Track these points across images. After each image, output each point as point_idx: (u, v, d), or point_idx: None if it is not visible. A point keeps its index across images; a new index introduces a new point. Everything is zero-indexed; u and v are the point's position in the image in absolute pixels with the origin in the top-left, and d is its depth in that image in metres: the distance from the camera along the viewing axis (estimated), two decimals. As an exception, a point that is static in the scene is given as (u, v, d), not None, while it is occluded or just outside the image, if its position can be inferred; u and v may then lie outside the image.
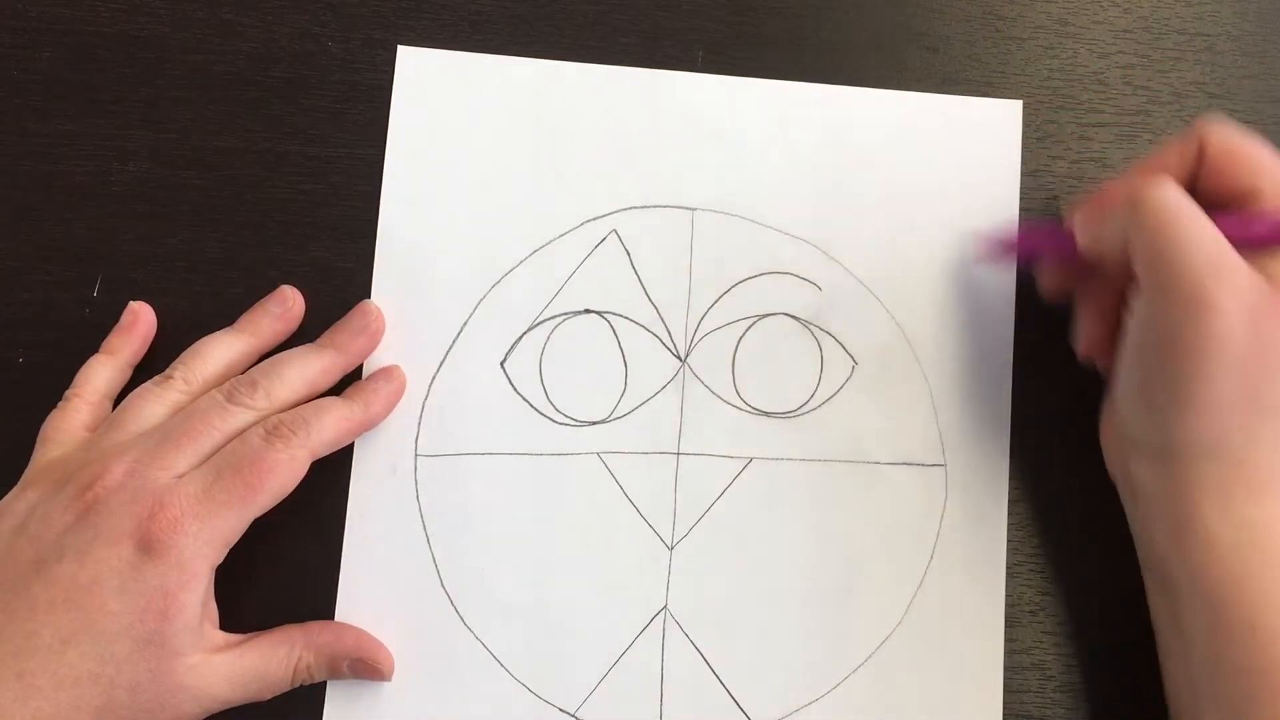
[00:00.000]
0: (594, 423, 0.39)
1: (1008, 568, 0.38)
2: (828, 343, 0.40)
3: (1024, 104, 0.41)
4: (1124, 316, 0.35)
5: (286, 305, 0.38)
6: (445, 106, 0.41)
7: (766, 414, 0.39)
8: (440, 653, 0.37)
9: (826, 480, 0.39)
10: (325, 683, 0.36)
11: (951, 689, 0.37)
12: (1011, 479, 0.39)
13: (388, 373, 0.38)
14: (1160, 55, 0.42)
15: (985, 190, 0.40)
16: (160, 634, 0.32)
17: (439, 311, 0.39)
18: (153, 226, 0.40)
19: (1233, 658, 0.32)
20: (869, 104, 0.41)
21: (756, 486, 0.39)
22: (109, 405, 0.37)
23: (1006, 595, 0.38)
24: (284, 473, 0.34)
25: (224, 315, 0.38)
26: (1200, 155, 0.35)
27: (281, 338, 0.38)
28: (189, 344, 0.37)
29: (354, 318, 0.38)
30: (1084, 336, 0.37)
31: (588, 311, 0.40)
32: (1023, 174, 0.41)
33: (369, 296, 0.39)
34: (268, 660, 0.34)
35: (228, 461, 0.33)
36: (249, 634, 0.35)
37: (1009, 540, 0.38)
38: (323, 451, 0.35)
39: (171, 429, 0.34)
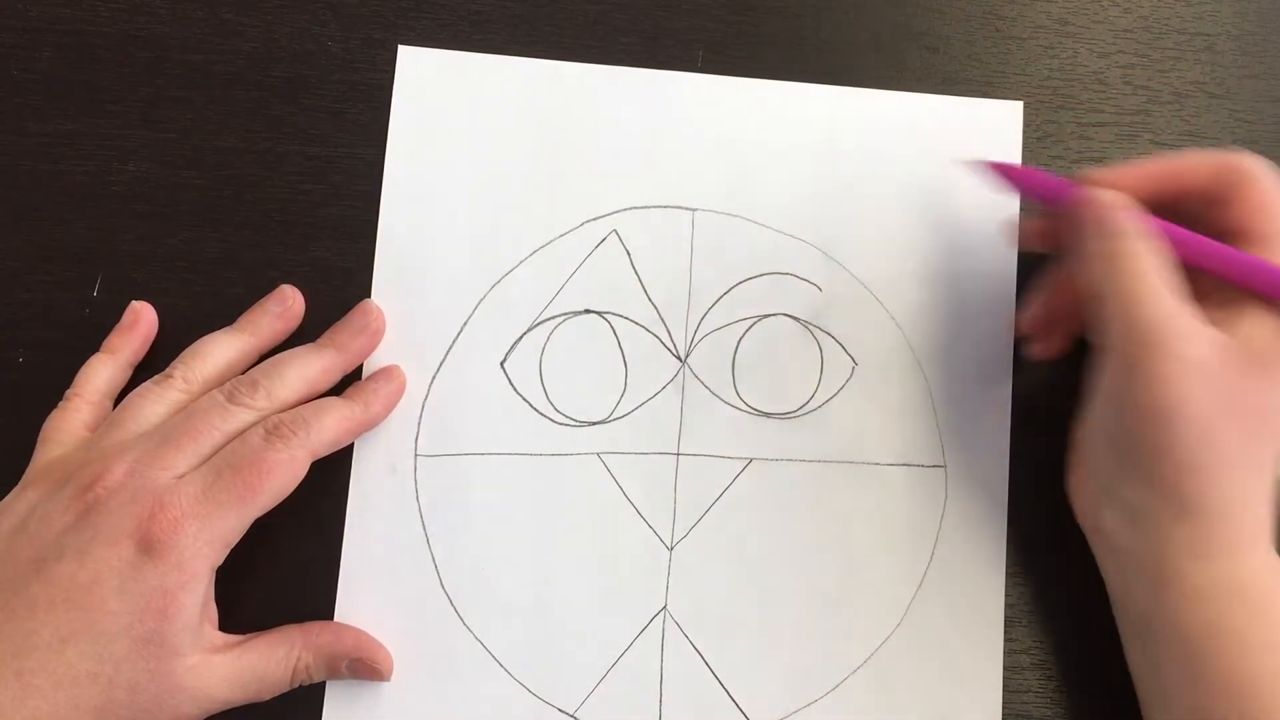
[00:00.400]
0: (594, 423, 0.39)
1: (1007, 568, 0.38)
2: (828, 343, 0.40)
3: (1024, 104, 0.41)
4: (1077, 329, 0.35)
5: (286, 304, 0.38)
6: (445, 106, 0.40)
7: (766, 414, 0.39)
8: (440, 653, 0.37)
9: (826, 481, 0.39)
10: (324, 683, 0.36)
11: (951, 689, 0.37)
12: (1011, 479, 0.39)
13: (388, 373, 0.38)
14: (1160, 55, 0.42)
15: (986, 190, 0.40)
16: (159, 634, 0.32)
17: (439, 311, 0.39)
18: (153, 226, 0.40)
19: (1216, 710, 0.31)
20: (869, 104, 0.41)
21: (756, 487, 0.38)
22: (109, 405, 0.37)
23: (1006, 595, 0.38)
24: (284, 473, 0.34)
25: (224, 315, 0.38)
26: (1226, 184, 0.34)
27: (281, 337, 0.38)
28: (189, 344, 0.37)
29: (354, 317, 0.38)
30: (1029, 314, 0.38)
31: (588, 312, 0.39)
32: (1023, 174, 0.41)
33: (369, 296, 0.39)
34: (267, 660, 0.34)
35: (228, 461, 0.33)
36: (248, 634, 0.35)
37: (1009, 540, 0.38)
38: (323, 451, 0.35)
39: (172, 429, 0.34)
